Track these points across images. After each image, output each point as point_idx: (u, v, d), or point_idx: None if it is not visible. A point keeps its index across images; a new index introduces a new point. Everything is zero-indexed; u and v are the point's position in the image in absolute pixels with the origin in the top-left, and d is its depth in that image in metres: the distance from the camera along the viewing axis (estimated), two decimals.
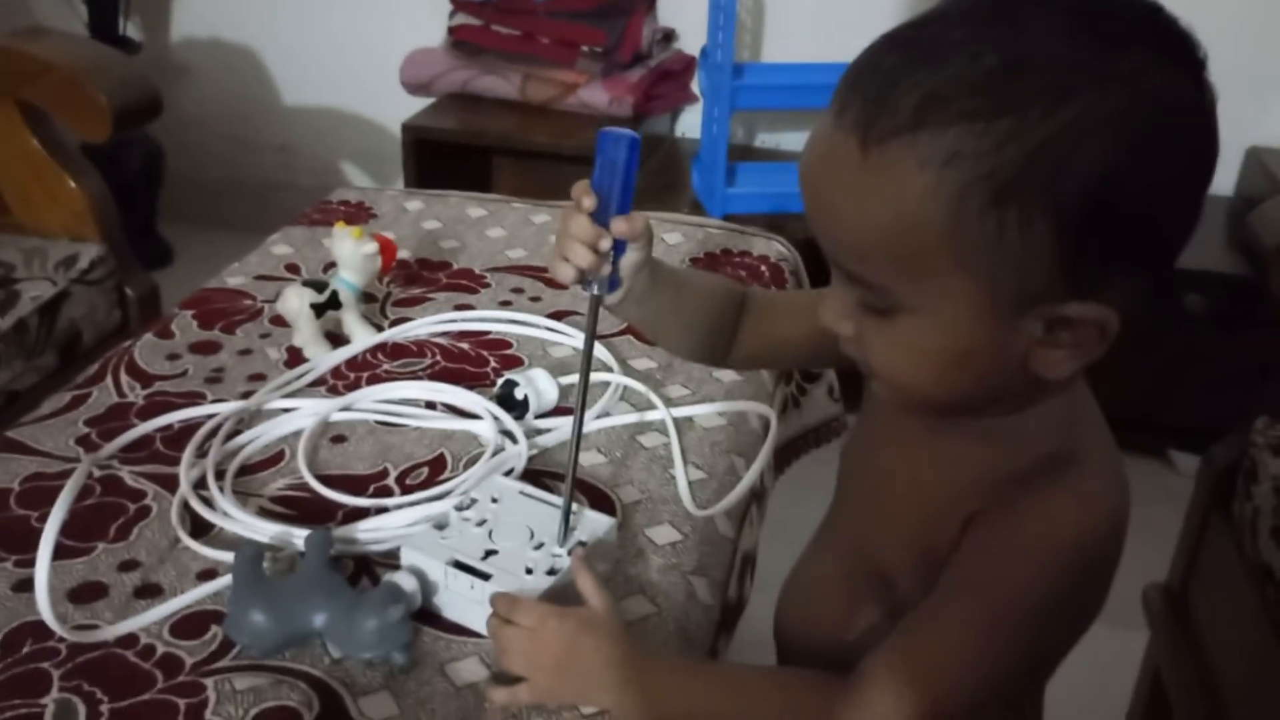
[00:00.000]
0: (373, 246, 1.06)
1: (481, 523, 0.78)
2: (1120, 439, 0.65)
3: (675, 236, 1.30)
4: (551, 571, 0.73)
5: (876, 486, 0.71)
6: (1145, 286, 0.57)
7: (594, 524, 0.79)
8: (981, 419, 0.62)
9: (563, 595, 0.71)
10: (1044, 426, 0.62)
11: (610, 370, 1.03)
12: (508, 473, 0.87)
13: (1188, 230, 0.57)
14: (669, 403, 0.99)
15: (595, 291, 0.73)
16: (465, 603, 0.73)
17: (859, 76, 0.56)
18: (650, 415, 0.98)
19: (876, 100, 0.54)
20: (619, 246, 0.72)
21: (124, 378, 1.01)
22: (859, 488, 0.75)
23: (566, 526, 0.76)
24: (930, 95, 0.52)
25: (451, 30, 2.19)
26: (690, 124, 2.30)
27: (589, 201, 0.70)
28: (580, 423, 0.75)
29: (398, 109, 2.21)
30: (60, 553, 0.78)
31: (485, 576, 0.73)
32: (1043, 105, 0.51)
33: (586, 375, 0.74)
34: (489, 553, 0.75)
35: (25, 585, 0.76)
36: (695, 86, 2.24)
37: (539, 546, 0.76)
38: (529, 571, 0.74)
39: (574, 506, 0.77)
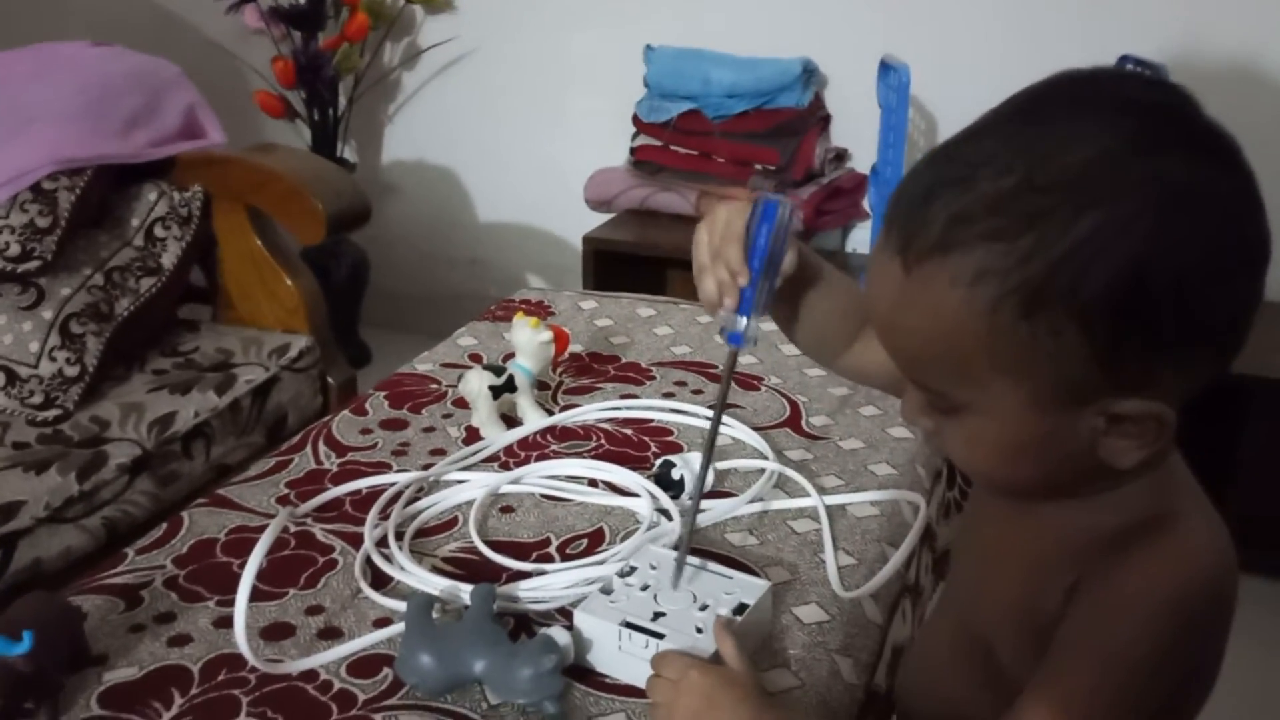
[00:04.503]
0: (548, 335, 1.14)
1: (645, 588, 0.82)
2: None
3: None
4: None
5: (979, 560, 0.73)
6: (1203, 375, 0.58)
7: (750, 588, 0.82)
8: (1069, 500, 0.64)
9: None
10: (1136, 495, 0.62)
11: (766, 458, 1.06)
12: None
13: (1238, 320, 0.57)
14: (823, 492, 1.01)
15: (732, 342, 0.79)
16: (639, 663, 0.76)
17: (900, 197, 0.60)
18: (803, 502, 1.00)
19: (912, 221, 0.58)
20: (745, 305, 0.77)
21: (322, 447, 1.11)
22: (964, 562, 0.76)
23: (681, 568, 0.82)
24: (957, 216, 0.56)
25: (633, 150, 2.33)
26: (860, 239, 2.34)
27: (743, 278, 0.77)
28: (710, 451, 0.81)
29: (579, 223, 2.35)
30: (256, 595, 0.86)
31: (659, 636, 0.77)
32: (1060, 219, 0.54)
33: (719, 417, 0.82)
34: (657, 614, 0.79)
35: (224, 622, 0.85)
36: (866, 203, 2.29)
37: (704, 608, 0.79)
38: (699, 631, 0.77)
39: (729, 573, 0.82)
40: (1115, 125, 0.55)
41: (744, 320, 0.78)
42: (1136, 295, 0.54)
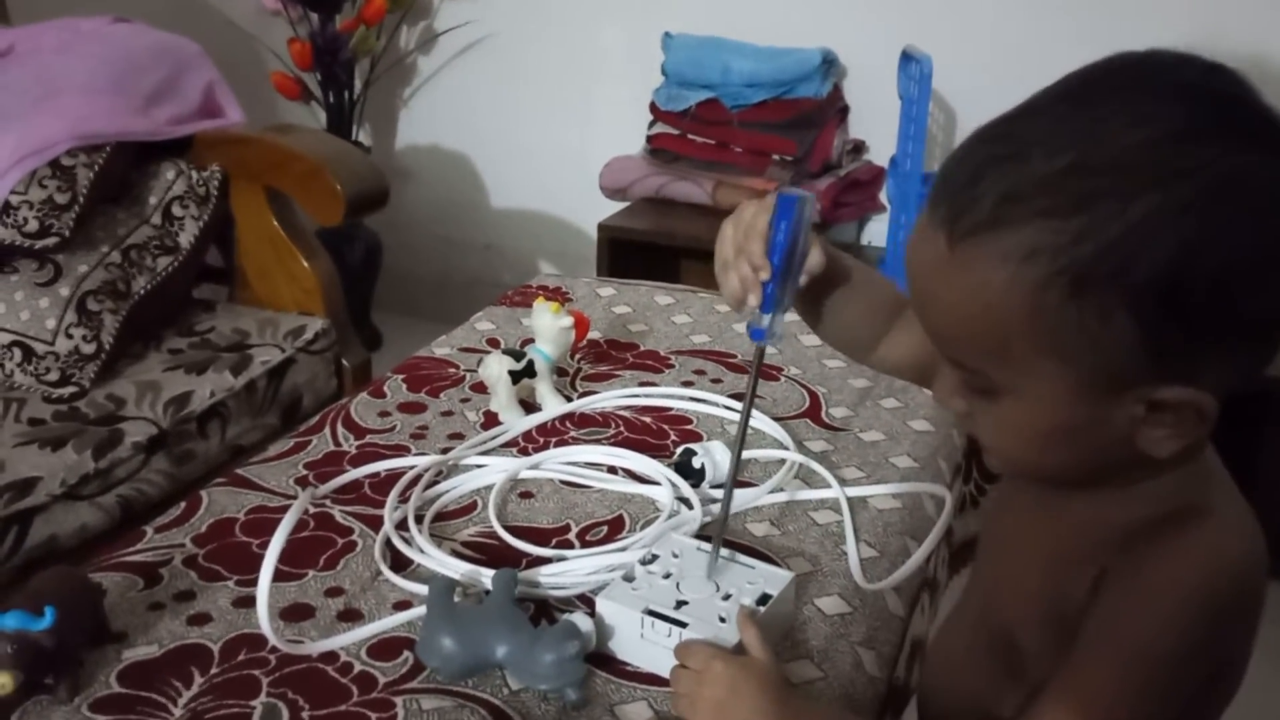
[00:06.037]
0: (569, 320, 1.13)
1: (667, 575, 0.81)
2: None
3: None
4: None
5: (1003, 549, 0.72)
6: (1248, 365, 0.57)
7: (773, 578, 0.81)
8: (1099, 490, 0.63)
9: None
10: (1167, 486, 0.62)
11: (786, 449, 1.05)
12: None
13: None
14: (843, 483, 1.01)
15: (756, 338, 0.79)
16: (662, 651, 0.76)
17: (948, 173, 0.59)
18: (824, 493, 1.00)
19: (961, 197, 0.57)
20: (768, 301, 0.77)
21: (340, 429, 1.11)
22: (988, 553, 0.76)
23: (717, 554, 0.81)
24: (1009, 194, 0.55)
25: (650, 139, 2.32)
26: (876, 232, 2.33)
27: (764, 273, 0.76)
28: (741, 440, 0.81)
29: (594, 211, 2.34)
30: (276, 576, 0.85)
31: (682, 625, 0.76)
32: (1112, 202, 0.53)
33: (749, 410, 0.81)
34: (680, 603, 0.79)
35: (244, 602, 0.84)
36: (883, 196, 2.28)
37: (727, 598, 0.79)
38: (722, 620, 0.77)
39: (752, 563, 0.82)
40: (1170, 110, 0.54)
41: (768, 316, 0.78)
42: (1185, 282, 0.53)
